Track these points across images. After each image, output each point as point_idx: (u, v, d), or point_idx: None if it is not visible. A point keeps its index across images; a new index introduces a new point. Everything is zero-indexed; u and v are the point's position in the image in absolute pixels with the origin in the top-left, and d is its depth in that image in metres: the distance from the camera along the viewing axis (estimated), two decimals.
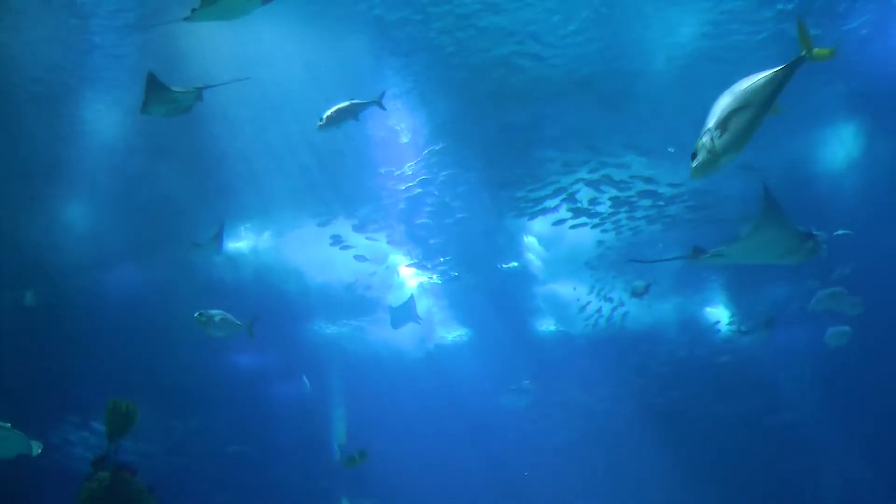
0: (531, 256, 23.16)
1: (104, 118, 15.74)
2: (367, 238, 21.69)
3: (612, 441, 30.59)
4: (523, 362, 27.50)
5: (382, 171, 18.99)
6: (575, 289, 24.08)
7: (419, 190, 19.63)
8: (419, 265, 23.76)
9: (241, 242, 21.69)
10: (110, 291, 19.94)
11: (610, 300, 24.53)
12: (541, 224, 21.01)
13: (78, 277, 20.00)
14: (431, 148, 18.13)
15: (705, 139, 5.46)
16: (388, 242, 22.23)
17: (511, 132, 17.45)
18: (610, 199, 19.57)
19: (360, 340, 27.85)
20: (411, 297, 23.47)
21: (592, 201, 19.79)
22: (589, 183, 19.09)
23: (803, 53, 5.25)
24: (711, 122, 5.43)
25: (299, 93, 15.45)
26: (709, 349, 26.85)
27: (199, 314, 12.03)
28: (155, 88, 10.12)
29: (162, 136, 15.66)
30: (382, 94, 13.14)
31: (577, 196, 19.62)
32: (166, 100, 10.29)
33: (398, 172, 19.05)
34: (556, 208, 20.13)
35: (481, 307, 25.74)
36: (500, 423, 28.96)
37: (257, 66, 14.33)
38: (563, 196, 19.65)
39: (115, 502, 12.30)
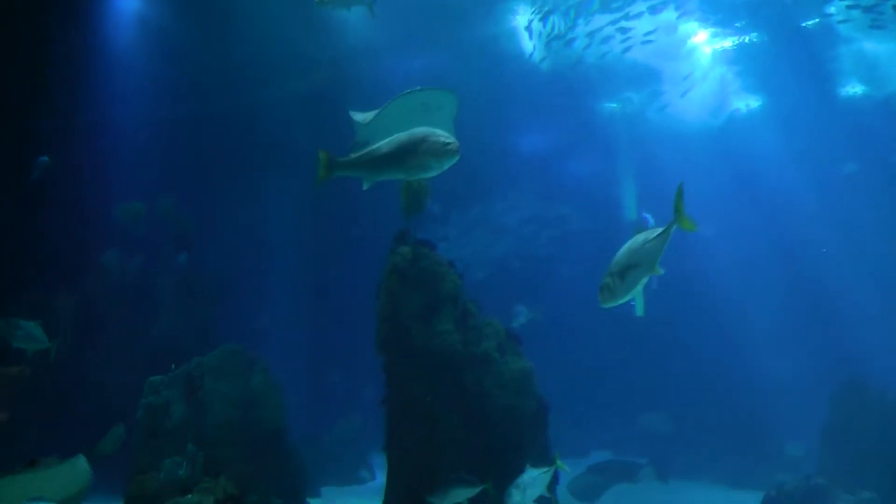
0: (833, 10, 20.81)
1: None
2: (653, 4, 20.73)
3: None
4: (824, 131, 25.47)
5: None
6: None
7: None
8: (711, 29, 22.48)
9: (520, 18, 21.59)
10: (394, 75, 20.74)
11: None
12: None
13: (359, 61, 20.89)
14: None
15: (609, 280, 6.57)
16: (677, 8, 21.05)
17: None
18: None
19: (650, 113, 27.20)
20: None
21: None
22: None
23: (675, 221, 6.38)
24: (614, 268, 6.58)
25: None
26: None
27: None
28: None
29: None
30: None
31: None
32: None
33: None
34: None
35: (779, 72, 23.94)
36: (793, 197, 27.47)
37: None
38: None
39: (417, 274, 13.67)
